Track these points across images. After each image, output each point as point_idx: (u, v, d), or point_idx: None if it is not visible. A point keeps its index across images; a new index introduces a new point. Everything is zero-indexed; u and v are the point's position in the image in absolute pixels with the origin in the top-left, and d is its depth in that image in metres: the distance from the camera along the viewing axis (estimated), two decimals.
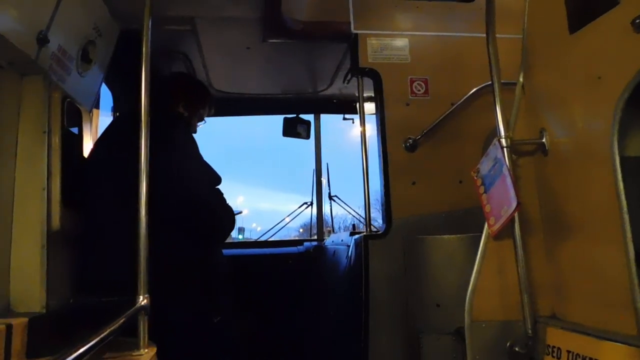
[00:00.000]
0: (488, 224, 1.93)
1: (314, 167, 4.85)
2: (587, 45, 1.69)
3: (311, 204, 4.94)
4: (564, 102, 1.86)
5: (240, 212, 4.08)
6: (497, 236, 1.92)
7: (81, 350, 1.18)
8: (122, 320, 1.48)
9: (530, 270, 1.87)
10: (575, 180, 1.78)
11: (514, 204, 1.76)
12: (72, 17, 2.09)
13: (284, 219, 5.11)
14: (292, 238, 6.82)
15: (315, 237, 4.95)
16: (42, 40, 1.88)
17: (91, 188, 2.29)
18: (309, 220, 5.18)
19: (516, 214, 1.83)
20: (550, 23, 1.89)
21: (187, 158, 2.35)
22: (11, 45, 1.71)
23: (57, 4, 1.93)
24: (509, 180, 1.81)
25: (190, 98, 2.69)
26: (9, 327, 1.64)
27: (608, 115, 1.53)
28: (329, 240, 4.22)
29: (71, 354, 1.14)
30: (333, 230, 5.15)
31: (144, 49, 1.83)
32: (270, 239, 4.93)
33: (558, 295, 1.87)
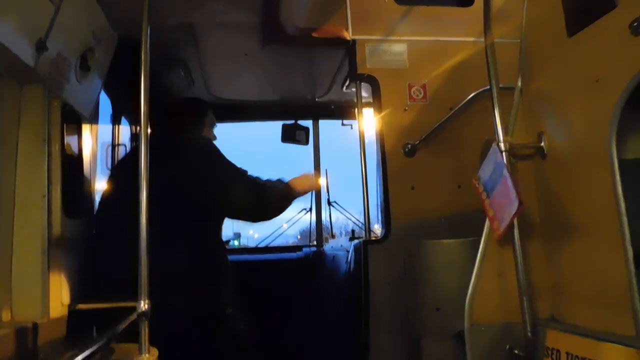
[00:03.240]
0: (492, 229, 1.92)
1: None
2: (585, 48, 1.69)
3: (310, 209, 4.93)
4: (562, 105, 1.87)
5: None
6: (497, 240, 1.92)
7: (82, 356, 1.19)
8: (122, 326, 1.48)
9: (529, 273, 1.87)
10: (574, 183, 1.78)
11: (516, 204, 1.76)
12: (71, 25, 2.09)
13: (282, 226, 5.10)
14: (291, 244, 6.80)
15: (314, 242, 4.93)
16: (41, 48, 1.87)
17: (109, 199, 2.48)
18: (307, 226, 5.16)
19: (515, 218, 1.84)
20: (548, 26, 1.90)
21: (233, 171, 2.61)
22: (10, 53, 1.71)
23: (56, 12, 1.92)
24: (509, 182, 1.81)
25: (209, 120, 2.99)
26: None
27: (606, 118, 1.54)
28: (328, 246, 4.22)
29: None
30: (333, 236, 5.12)
31: (142, 56, 1.83)
32: (269, 245, 4.93)
33: (557, 297, 1.87)
